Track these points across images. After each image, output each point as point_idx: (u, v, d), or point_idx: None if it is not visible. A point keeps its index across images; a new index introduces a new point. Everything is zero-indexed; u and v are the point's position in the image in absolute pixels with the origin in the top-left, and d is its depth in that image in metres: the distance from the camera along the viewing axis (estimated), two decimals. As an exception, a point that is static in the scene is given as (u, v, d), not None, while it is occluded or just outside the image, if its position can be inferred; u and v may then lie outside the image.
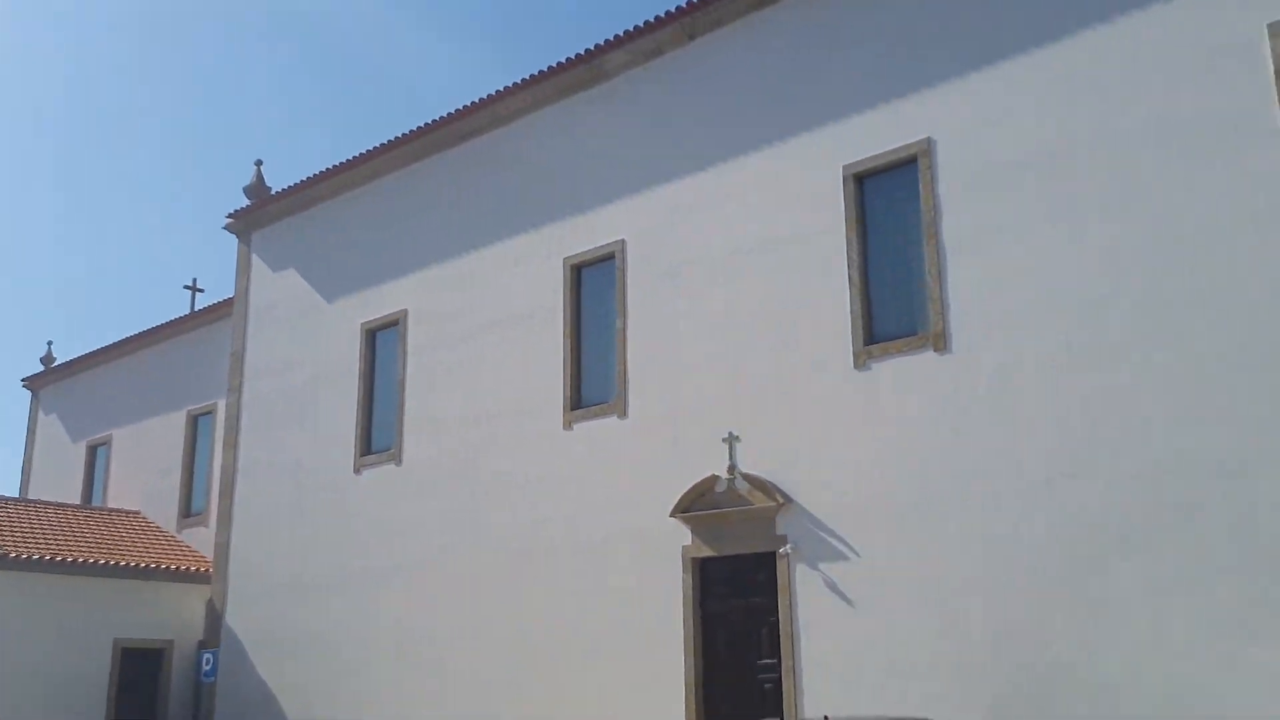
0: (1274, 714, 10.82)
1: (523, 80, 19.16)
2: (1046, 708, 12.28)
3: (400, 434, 20.45)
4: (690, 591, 15.67)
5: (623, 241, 17.72)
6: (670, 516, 15.94)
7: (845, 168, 15.25)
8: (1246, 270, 11.79)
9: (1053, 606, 12.46)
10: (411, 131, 20.93)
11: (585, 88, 18.73)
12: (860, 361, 14.60)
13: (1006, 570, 12.88)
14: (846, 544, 14.28)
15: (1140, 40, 12.91)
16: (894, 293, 14.73)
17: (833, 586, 14.27)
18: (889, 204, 14.99)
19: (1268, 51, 11.96)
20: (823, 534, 14.51)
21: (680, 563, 15.86)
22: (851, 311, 14.80)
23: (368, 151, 21.83)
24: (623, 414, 17.06)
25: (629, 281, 17.49)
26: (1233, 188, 12.01)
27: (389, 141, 21.46)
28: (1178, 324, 12.14)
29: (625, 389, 17.12)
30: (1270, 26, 11.97)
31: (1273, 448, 11.31)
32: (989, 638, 12.85)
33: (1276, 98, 11.83)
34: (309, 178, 23.13)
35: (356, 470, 21.10)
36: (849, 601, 14.10)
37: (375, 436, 21.18)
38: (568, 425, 17.76)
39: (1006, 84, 13.94)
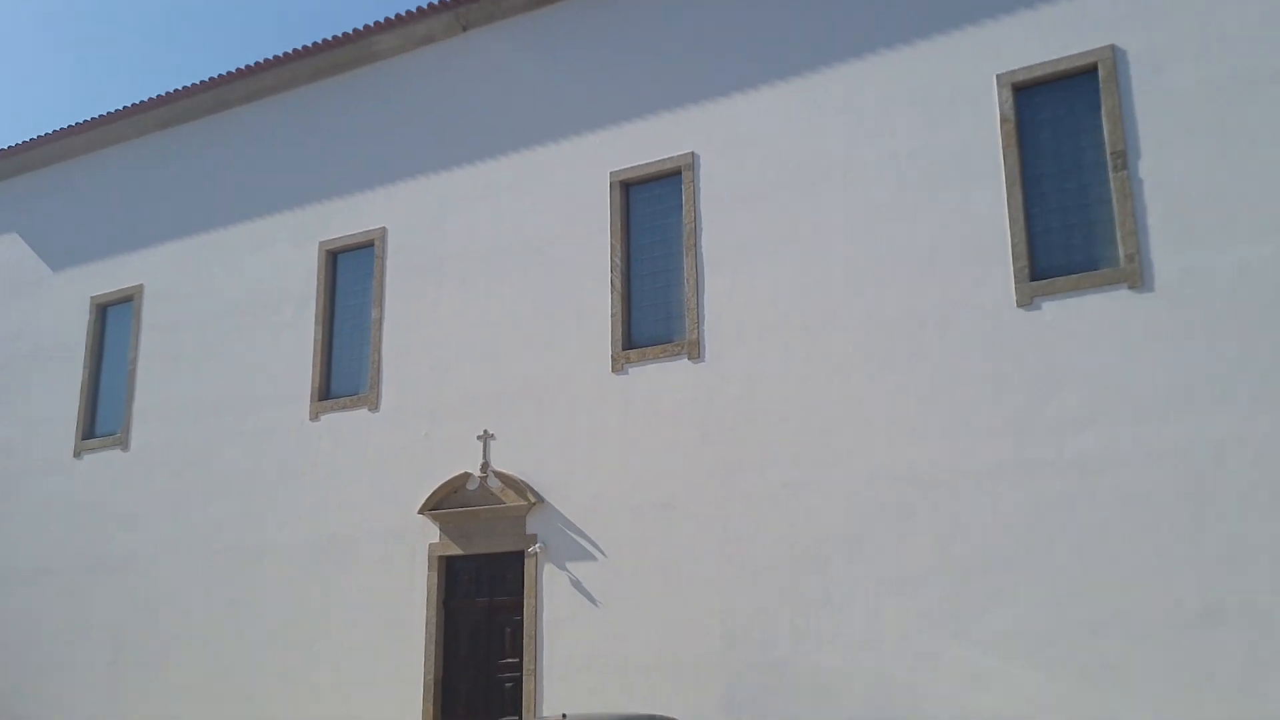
0: (969, 706, 11.84)
1: (286, 54, 18.34)
2: (770, 703, 12.92)
3: (129, 418, 19.10)
4: (434, 590, 15.46)
5: (384, 229, 17.29)
6: (419, 513, 15.67)
7: (613, 174, 15.51)
8: (962, 295, 12.84)
9: (780, 605, 13.13)
10: (159, 97, 19.58)
11: (353, 67, 18.17)
12: (618, 365, 14.87)
13: (741, 571, 13.46)
14: (594, 544, 14.51)
15: (889, 79, 13.83)
16: (654, 300, 15.10)
17: (578, 585, 14.46)
18: (654, 213, 15.36)
19: (995, 99, 13.09)
20: (571, 534, 14.68)
21: (427, 560, 15.62)
22: (612, 316, 15.05)
23: (105, 115, 20.26)
24: (374, 407, 16.64)
25: (388, 271, 17.09)
26: (956, 219, 13.06)
27: (131, 106, 20.00)
28: (904, 342, 13.07)
29: (379, 381, 16.70)
30: (999, 77, 13.11)
31: (975, 461, 12.37)
32: (723, 635, 13.38)
33: (1000, 141, 12.96)
34: (33, 138, 21.24)
35: (76, 455, 19.55)
36: (593, 601, 14.32)
37: (100, 419, 19.70)
38: (315, 416, 17.13)
39: (768, 107, 14.59)
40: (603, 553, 14.44)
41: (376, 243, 17.30)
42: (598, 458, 14.76)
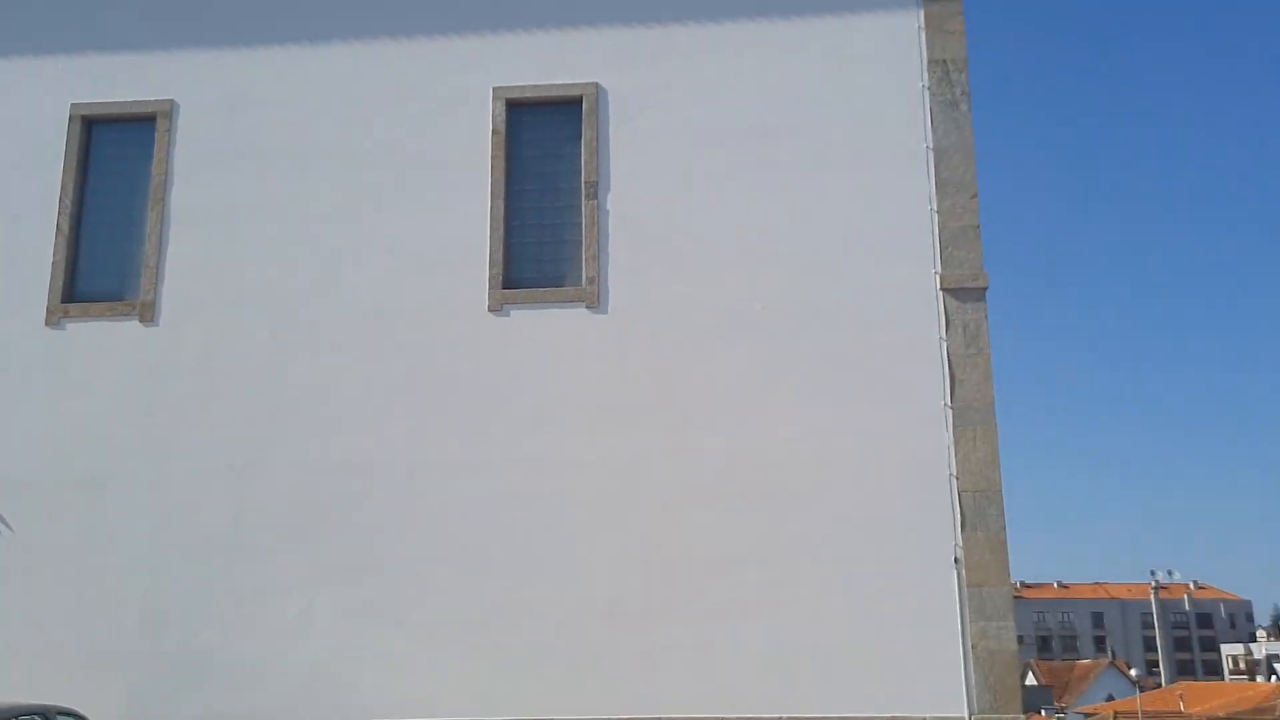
0: (396, 694, 12.06)
1: None
2: (191, 693, 12.20)
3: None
4: None
5: None
6: None
7: (74, 107, 13.91)
8: (439, 293, 13.11)
9: (212, 592, 12.48)
10: None
11: None
12: (53, 319, 13.29)
13: (173, 556, 12.61)
14: (2, 519, 12.80)
15: (392, 69, 13.82)
16: (107, 251, 13.71)
17: (-25, 564, 12.67)
18: (120, 157, 13.97)
19: (489, 110, 13.58)
20: (-26, 505, 12.83)
21: None
22: (54, 264, 13.44)
23: None
24: None
25: None
26: (441, 218, 13.35)
27: None
28: (375, 331, 13.07)
29: None
30: (496, 89, 13.64)
31: (431, 455, 12.68)
32: (144, 622, 12.43)
33: (490, 151, 13.44)
34: None
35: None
36: (-8, 581, 12.63)
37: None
38: None
39: (269, 70, 13.90)
40: (8, 527, 12.77)
41: None
42: (24, 421, 13.06)
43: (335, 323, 13.17)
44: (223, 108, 13.86)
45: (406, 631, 12.22)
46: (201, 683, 12.24)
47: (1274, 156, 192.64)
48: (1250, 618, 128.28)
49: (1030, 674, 74.02)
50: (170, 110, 13.82)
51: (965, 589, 11.90)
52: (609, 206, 13.29)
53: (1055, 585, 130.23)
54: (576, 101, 13.60)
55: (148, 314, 13.27)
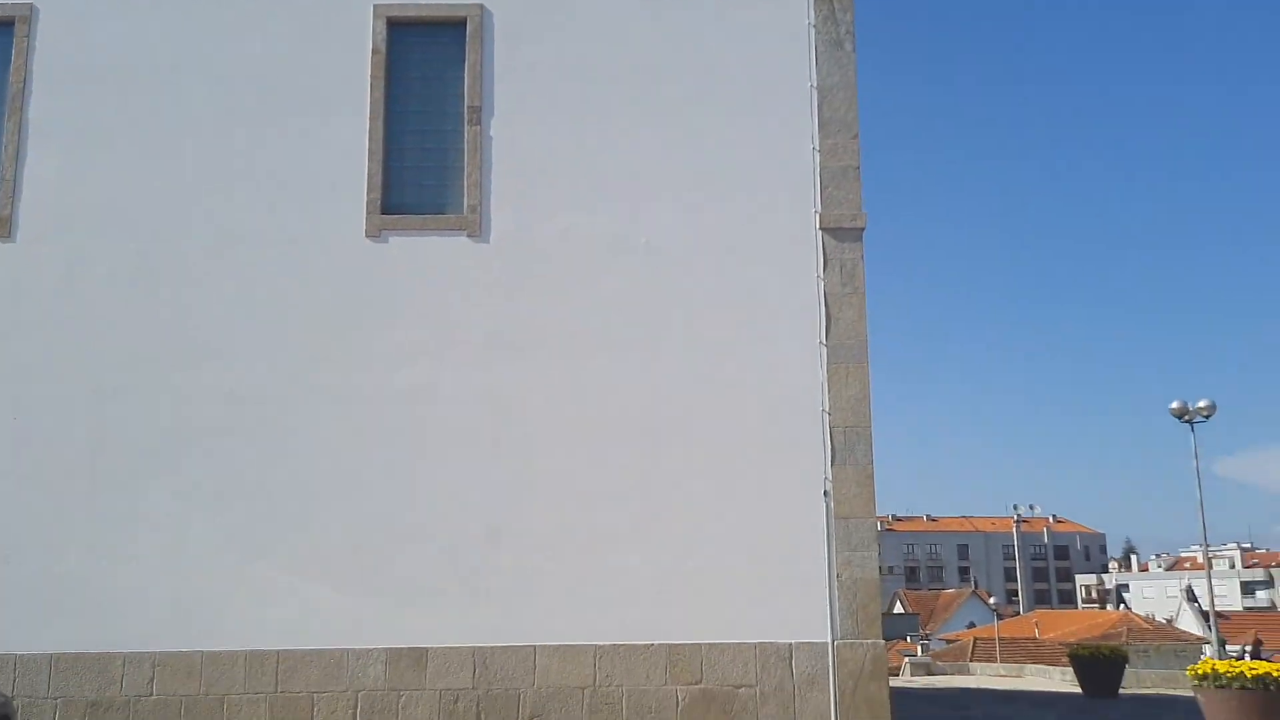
0: (271, 623, 11.94)
1: None
2: (51, 622, 11.86)
3: None
4: None
5: None
6: None
7: (-81, 6, 13.00)
8: (314, 219, 12.79)
9: (74, 520, 12.11)
10: None
11: None
12: (-102, 233, 12.54)
13: (32, 480, 12.16)
14: None
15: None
16: (-44, 164, 12.94)
17: None
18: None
19: (369, 29, 13.17)
20: None
21: None
22: (-102, 173, 12.66)
23: None
24: None
25: None
26: (318, 141, 12.99)
27: None
28: (245, 256, 12.71)
29: None
30: (376, 7, 13.23)
31: (305, 384, 12.45)
32: None
33: (369, 72, 13.07)
34: None
35: None
36: None
37: None
38: None
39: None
40: None
41: None
42: None
43: (205, 246, 12.74)
44: (86, 16, 13.15)
45: (278, 560, 12.07)
46: (62, 612, 11.91)
47: (1145, 97, 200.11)
48: (1104, 550, 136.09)
49: (898, 602, 77.35)
50: (30, 15, 13.05)
51: (833, 520, 12.29)
52: (492, 133, 13.09)
53: (925, 519, 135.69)
54: (460, 23, 13.28)
55: (4, 229, 12.64)
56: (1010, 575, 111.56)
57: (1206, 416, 29.59)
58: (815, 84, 13.22)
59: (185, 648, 11.85)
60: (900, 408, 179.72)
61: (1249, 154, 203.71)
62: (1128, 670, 20.80)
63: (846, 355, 12.67)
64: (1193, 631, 51.12)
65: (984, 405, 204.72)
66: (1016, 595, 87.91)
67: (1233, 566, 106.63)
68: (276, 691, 11.79)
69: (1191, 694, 12.74)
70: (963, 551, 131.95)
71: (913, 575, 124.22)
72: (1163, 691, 20.25)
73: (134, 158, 12.92)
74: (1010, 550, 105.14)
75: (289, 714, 11.74)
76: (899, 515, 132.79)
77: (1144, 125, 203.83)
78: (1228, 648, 34.45)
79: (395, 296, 12.72)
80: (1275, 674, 11.07)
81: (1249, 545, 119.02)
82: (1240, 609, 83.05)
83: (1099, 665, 19.34)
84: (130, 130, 12.98)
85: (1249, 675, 11.10)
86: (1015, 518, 76.82)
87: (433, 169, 13.22)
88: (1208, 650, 31.02)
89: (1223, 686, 11.23)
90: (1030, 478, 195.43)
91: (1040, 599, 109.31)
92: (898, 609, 73.93)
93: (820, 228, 12.92)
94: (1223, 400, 33.02)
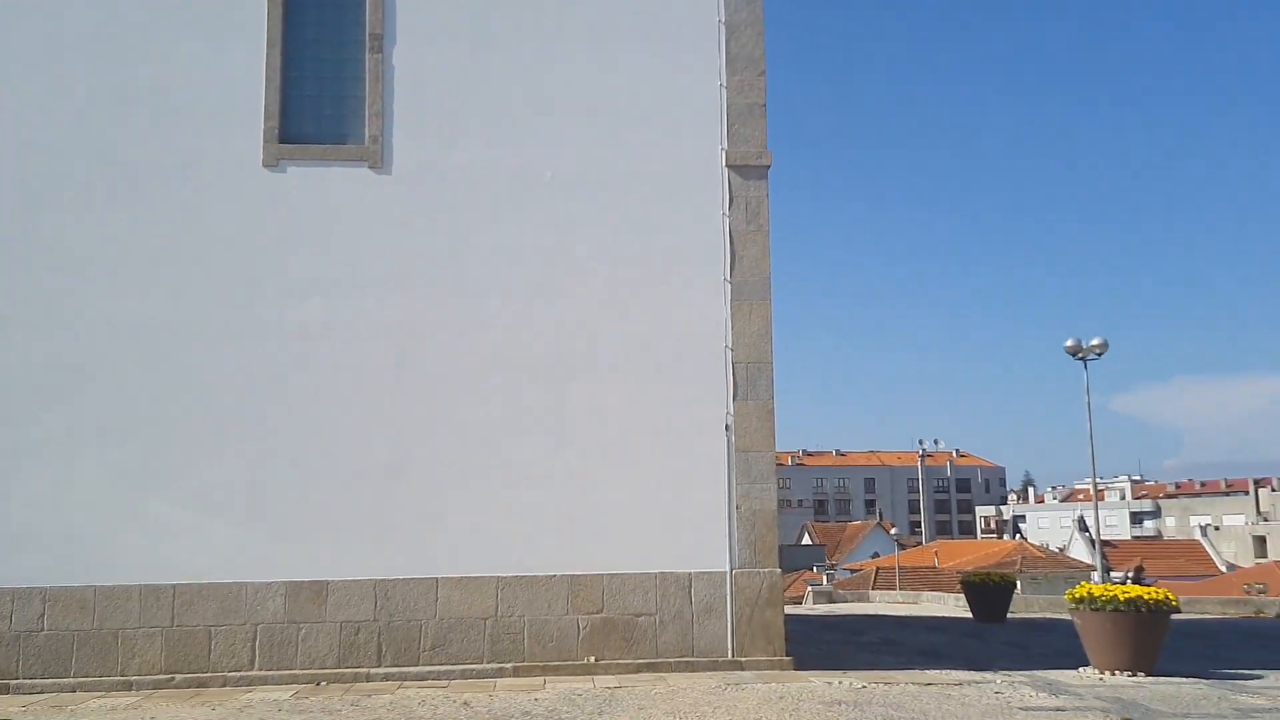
0: (165, 558, 11.78)
1: None
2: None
3: None
4: None
5: None
6: None
7: None
8: (207, 146, 12.44)
9: (-42, 455, 11.77)
10: None
11: None
12: None
13: (-86, 415, 11.76)
14: None
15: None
16: None
17: None
18: None
19: (267, -49, 12.73)
20: None
21: None
22: None
23: None
24: None
25: None
26: (211, 66, 12.58)
27: None
28: (143, 185, 12.34)
29: None
30: (272, -72, 12.74)
31: (202, 316, 12.20)
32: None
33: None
34: None
35: None
36: None
37: None
38: None
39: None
40: None
41: None
42: None
43: (95, 174, 12.32)
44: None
45: (174, 495, 11.90)
46: (-53, 548, 11.61)
47: (1055, 30, 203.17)
48: (1003, 483, 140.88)
49: (806, 534, 79.20)
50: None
51: (734, 454, 12.52)
52: (394, 62, 12.81)
53: (834, 454, 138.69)
54: (361, -53, 12.91)
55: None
56: (914, 508, 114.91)
57: (1099, 354, 30.66)
58: (724, 19, 13.16)
59: (76, 582, 11.65)
60: (812, 346, 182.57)
61: (1146, 89, 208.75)
62: (1018, 596, 21.69)
63: (750, 292, 12.81)
64: (1083, 560, 53.30)
65: (892, 344, 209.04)
66: (919, 526, 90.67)
67: (1123, 498, 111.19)
68: (173, 625, 11.69)
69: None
70: (870, 485, 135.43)
71: (821, 508, 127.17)
72: (1049, 616, 21.17)
73: (15, 79, 12.38)
74: (915, 484, 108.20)
75: (185, 648, 11.67)
76: (809, 450, 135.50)
77: (1051, 59, 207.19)
78: (1113, 574, 36.08)
79: (294, 228, 12.46)
80: (1146, 597, 11.65)
81: (1139, 478, 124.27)
82: (1129, 538, 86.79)
83: (989, 591, 20.15)
84: (11, 52, 12.41)
85: (1122, 599, 11.66)
86: (920, 452, 78.91)
87: (333, 98, 12.91)
88: (1095, 576, 32.47)
89: (1097, 610, 11.77)
90: (936, 414, 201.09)
91: (942, 530, 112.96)
92: (805, 540, 75.73)
93: (726, 165, 12.96)
94: (1122, 340, 34.23)
